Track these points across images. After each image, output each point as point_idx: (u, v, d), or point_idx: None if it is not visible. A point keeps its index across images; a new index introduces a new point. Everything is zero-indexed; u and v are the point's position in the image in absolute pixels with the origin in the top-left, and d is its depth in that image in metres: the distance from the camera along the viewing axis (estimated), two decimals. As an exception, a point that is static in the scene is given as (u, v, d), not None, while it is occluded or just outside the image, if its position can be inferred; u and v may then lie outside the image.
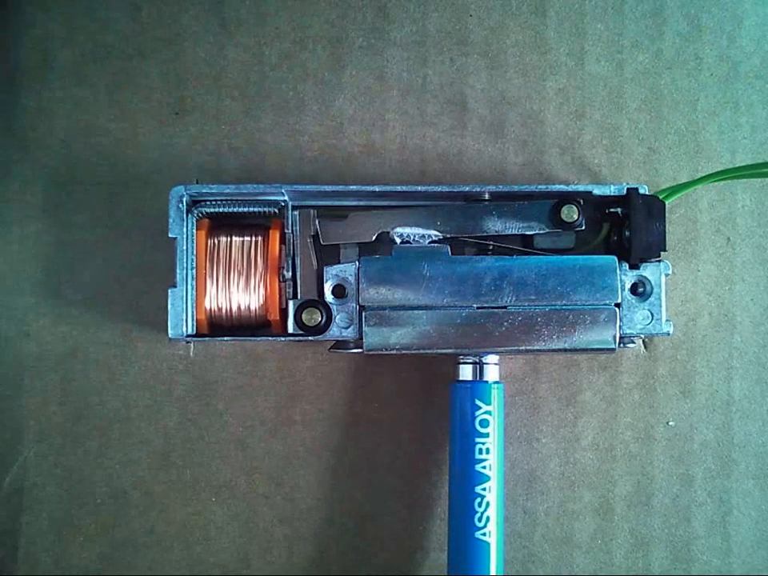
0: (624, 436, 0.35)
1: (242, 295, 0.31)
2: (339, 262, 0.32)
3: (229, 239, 0.31)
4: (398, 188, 0.32)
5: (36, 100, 0.35)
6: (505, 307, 0.31)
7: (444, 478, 0.35)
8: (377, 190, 0.32)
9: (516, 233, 0.32)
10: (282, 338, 0.32)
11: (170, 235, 0.31)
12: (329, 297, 0.31)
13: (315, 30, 0.35)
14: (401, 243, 0.32)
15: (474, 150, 0.35)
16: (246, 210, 0.32)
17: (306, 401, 0.35)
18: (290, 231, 0.31)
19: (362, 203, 0.33)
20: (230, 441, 0.35)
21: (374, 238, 0.32)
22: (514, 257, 0.32)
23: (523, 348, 0.31)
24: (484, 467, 0.31)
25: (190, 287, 0.31)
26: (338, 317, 0.31)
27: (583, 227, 0.32)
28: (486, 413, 0.32)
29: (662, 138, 0.35)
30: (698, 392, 0.35)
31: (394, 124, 0.35)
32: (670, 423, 0.35)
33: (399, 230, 0.32)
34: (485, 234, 0.32)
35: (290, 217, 0.31)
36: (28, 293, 0.35)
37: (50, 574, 0.34)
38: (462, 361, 0.32)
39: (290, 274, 0.31)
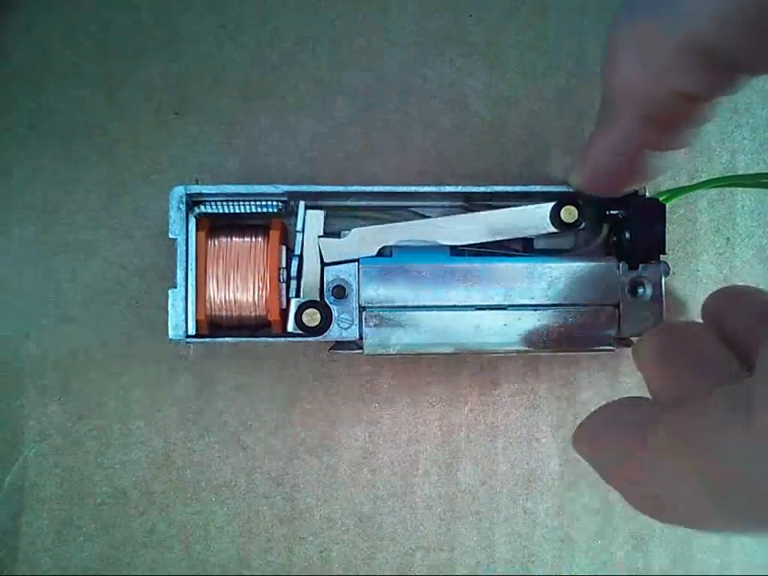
0: (624, 436, 0.35)
1: (242, 295, 0.31)
2: (339, 262, 0.32)
3: (229, 239, 0.31)
4: (398, 188, 0.32)
5: (36, 100, 0.35)
6: (504, 308, 0.31)
7: (444, 478, 0.35)
8: (377, 190, 0.32)
9: (516, 237, 0.32)
10: (282, 339, 0.32)
11: (170, 236, 0.31)
12: (329, 297, 0.31)
13: (315, 30, 0.35)
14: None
15: (473, 150, 0.35)
16: (246, 210, 0.32)
17: (306, 401, 0.35)
18: (300, 230, 0.31)
19: (362, 203, 0.33)
20: (229, 441, 0.35)
21: (375, 252, 0.32)
22: (514, 258, 0.32)
23: (523, 348, 0.31)
24: None
25: (190, 288, 0.31)
26: (338, 317, 0.31)
27: (583, 228, 0.32)
28: None
29: (662, 138, 0.35)
30: (698, 392, 0.35)
31: (394, 124, 0.35)
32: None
33: (401, 243, 0.32)
34: (486, 242, 0.32)
35: (302, 215, 0.31)
36: (28, 293, 0.35)
37: (49, 574, 0.35)
38: None
39: (295, 272, 0.31)
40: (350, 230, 0.32)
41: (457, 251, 0.32)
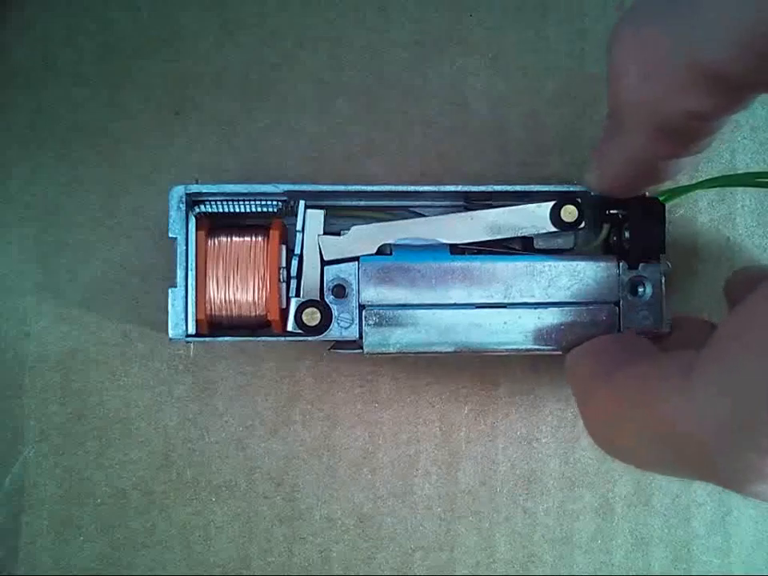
0: (624, 436, 0.35)
1: (241, 295, 0.31)
2: (339, 261, 0.32)
3: (229, 239, 0.31)
4: (398, 188, 0.32)
5: (36, 100, 0.35)
6: (504, 306, 0.31)
7: (444, 478, 0.35)
8: (377, 189, 0.32)
9: (516, 236, 0.32)
10: (282, 338, 0.32)
11: (169, 235, 0.31)
12: (329, 296, 0.31)
13: (315, 30, 0.35)
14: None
15: (473, 150, 0.35)
16: (246, 209, 0.32)
17: (306, 401, 0.35)
18: (300, 230, 0.31)
19: (362, 203, 0.33)
20: (229, 441, 0.35)
21: (374, 251, 0.32)
22: (514, 257, 0.32)
23: (523, 347, 0.31)
24: None
25: (190, 287, 0.31)
26: (338, 317, 0.31)
27: (583, 227, 0.32)
28: None
29: (661, 138, 0.35)
30: (698, 392, 0.35)
31: (394, 124, 0.35)
32: (669, 423, 0.35)
33: (400, 241, 0.32)
34: (485, 240, 0.32)
35: (302, 215, 0.31)
36: (28, 293, 0.35)
37: (49, 574, 0.35)
38: None
39: (295, 272, 0.31)
40: (349, 229, 0.32)
41: (457, 250, 0.32)
